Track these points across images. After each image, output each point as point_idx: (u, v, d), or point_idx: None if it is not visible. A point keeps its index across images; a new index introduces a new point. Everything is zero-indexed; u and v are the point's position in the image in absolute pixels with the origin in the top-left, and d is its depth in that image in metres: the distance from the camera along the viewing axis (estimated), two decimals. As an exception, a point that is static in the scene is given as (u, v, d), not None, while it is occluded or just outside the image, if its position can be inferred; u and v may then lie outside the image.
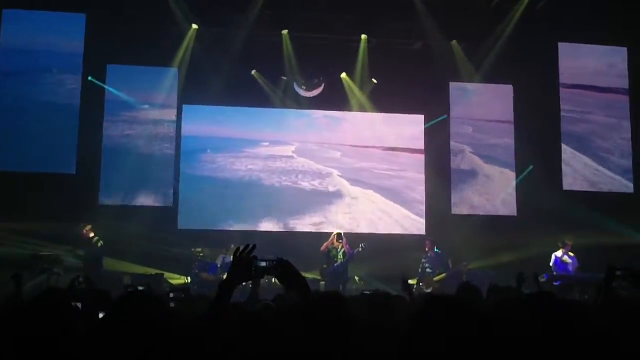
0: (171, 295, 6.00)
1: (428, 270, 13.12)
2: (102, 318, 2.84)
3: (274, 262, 2.93)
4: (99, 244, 12.29)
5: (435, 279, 12.95)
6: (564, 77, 15.80)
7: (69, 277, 6.55)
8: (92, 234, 12.37)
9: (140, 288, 6.46)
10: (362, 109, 15.67)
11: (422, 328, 2.16)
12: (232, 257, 3.04)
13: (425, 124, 15.74)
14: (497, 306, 3.46)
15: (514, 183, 15.63)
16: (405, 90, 15.01)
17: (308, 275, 13.34)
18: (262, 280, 12.95)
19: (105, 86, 14.40)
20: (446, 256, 13.47)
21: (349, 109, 15.70)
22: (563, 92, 15.76)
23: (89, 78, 14.20)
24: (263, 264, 2.99)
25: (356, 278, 13.90)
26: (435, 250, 13.29)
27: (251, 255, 3.01)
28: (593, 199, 15.03)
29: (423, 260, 13.25)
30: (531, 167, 15.35)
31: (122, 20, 13.85)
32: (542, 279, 11.81)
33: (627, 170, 15.71)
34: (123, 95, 14.55)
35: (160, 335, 2.51)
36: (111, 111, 14.53)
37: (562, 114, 15.67)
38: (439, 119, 15.63)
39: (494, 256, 13.88)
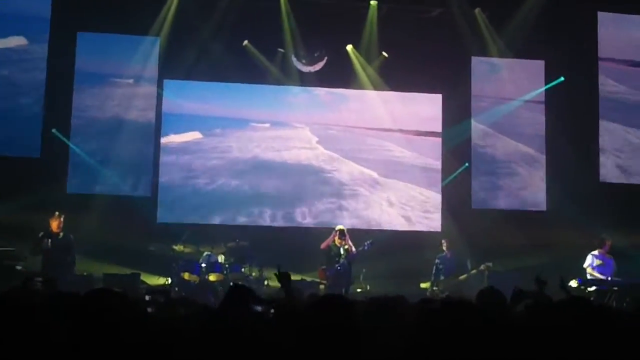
0: (147, 298, 5.99)
1: (442, 272, 13.21)
2: (62, 323, 2.80)
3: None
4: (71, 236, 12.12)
5: (457, 279, 13.04)
6: (604, 50, 15.74)
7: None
8: (60, 228, 12.08)
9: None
10: (370, 86, 15.62)
11: (434, 337, 2.16)
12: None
13: (443, 106, 15.67)
14: (522, 314, 3.47)
15: (544, 174, 15.60)
16: (421, 66, 14.96)
17: (306, 277, 13.37)
18: (250, 281, 13.01)
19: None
20: (464, 257, 13.50)
21: (355, 87, 15.65)
22: (602, 67, 15.71)
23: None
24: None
25: (361, 280, 13.91)
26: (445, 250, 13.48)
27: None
28: (636, 193, 15.03)
29: (437, 260, 13.30)
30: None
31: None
32: (575, 283, 11.87)
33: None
34: (95, 69, 14.50)
35: (133, 347, 2.49)
36: (81, 87, 14.48)
37: (600, 92, 15.63)
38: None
39: (520, 257, 13.87)
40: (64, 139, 14.20)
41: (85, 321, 2.50)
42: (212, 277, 12.91)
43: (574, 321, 2.37)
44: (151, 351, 2.59)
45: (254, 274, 13.39)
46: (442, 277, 13.19)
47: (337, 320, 2.58)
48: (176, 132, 15.00)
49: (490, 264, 13.44)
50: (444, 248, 13.53)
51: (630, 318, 3.16)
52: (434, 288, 13.02)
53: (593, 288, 11.89)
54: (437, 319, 2.32)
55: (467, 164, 15.50)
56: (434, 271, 13.25)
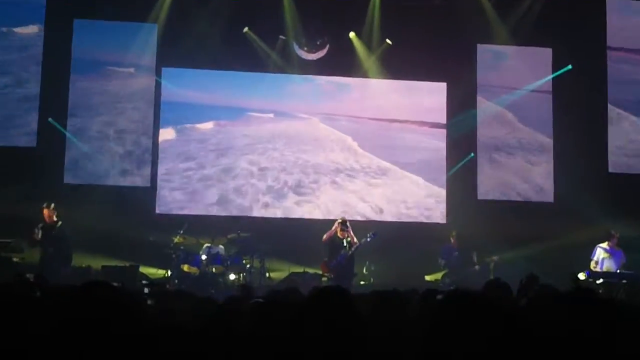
0: (146, 290, 6.01)
1: (441, 262, 13.52)
2: (55, 317, 2.80)
3: None
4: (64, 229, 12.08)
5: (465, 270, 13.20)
6: (613, 38, 15.71)
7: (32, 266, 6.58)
8: (55, 218, 12.06)
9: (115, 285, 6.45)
10: (373, 75, 15.60)
11: (441, 328, 2.17)
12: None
13: (447, 94, 15.66)
14: (529, 305, 3.48)
15: (551, 164, 15.58)
16: (425, 54, 14.93)
17: (309, 270, 13.40)
18: (251, 274, 13.06)
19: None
20: (470, 249, 13.55)
21: (358, 75, 15.63)
22: (611, 56, 15.68)
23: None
24: None
25: (364, 273, 13.93)
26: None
27: None
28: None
29: (441, 251, 13.51)
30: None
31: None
32: (582, 276, 11.90)
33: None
34: (92, 56, 14.49)
35: (130, 341, 2.49)
36: (78, 74, 14.48)
37: (609, 82, 15.60)
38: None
39: (526, 249, 13.89)
40: (61, 128, 14.20)
41: (78, 314, 2.50)
42: (212, 270, 12.94)
43: (578, 313, 2.38)
44: (149, 345, 2.59)
45: (255, 265, 13.42)
46: (446, 269, 13.36)
47: (337, 312, 2.58)
48: (175, 121, 15.00)
49: (496, 258, 13.49)
50: (452, 239, 13.66)
51: (638, 311, 3.16)
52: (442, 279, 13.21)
53: (601, 281, 11.91)
54: (444, 310, 2.33)
55: (472, 155, 15.49)
56: (442, 263, 13.38)
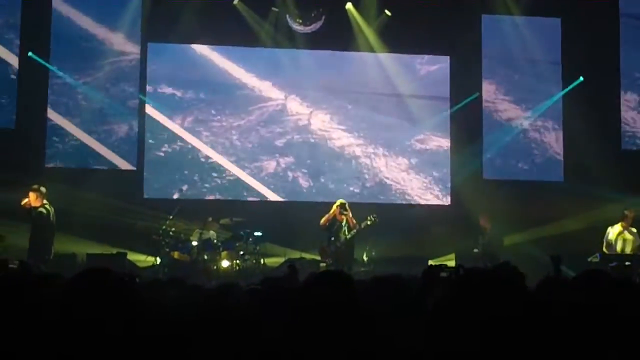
0: (137, 280, 6.00)
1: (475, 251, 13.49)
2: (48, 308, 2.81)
3: None
4: (48, 214, 11.92)
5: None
6: (627, 4, 15.65)
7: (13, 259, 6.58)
8: (39, 202, 11.89)
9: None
10: (371, 48, 15.53)
11: (452, 309, 2.17)
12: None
13: (451, 68, 15.61)
14: (540, 288, 3.49)
15: (561, 141, 15.58)
16: (426, 25, 14.86)
17: (306, 255, 13.42)
18: (245, 260, 13.05)
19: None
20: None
21: (356, 49, 15.53)
22: (625, 24, 15.61)
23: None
24: None
25: (364, 259, 13.95)
26: None
27: None
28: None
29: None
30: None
31: None
32: (594, 259, 11.93)
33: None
34: (73, 32, 14.41)
35: (133, 334, 2.49)
36: (58, 49, 14.38)
37: (622, 52, 15.56)
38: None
39: (535, 230, 13.93)
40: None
41: (75, 304, 2.51)
42: (204, 256, 12.95)
43: (592, 295, 2.39)
44: (142, 335, 2.59)
45: (249, 252, 13.42)
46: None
47: (337, 298, 2.57)
48: (162, 99, 14.89)
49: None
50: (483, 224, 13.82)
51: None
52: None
53: (614, 264, 11.93)
54: (456, 287, 2.33)
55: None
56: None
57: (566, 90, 15.38)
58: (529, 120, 15.69)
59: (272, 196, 15.01)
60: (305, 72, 15.44)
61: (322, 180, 15.20)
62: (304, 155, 15.26)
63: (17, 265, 6.60)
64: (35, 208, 11.48)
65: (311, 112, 15.41)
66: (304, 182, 15.17)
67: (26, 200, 11.47)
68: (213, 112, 15.15)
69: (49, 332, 2.51)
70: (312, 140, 15.32)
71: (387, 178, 15.41)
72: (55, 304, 2.61)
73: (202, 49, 15.08)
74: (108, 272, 2.70)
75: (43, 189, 11.58)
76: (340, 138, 15.41)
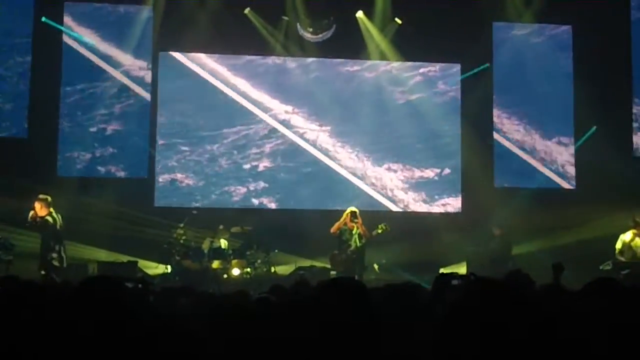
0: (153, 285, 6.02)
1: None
2: (53, 312, 2.81)
3: None
4: (55, 223, 11.90)
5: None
6: (637, 14, 15.61)
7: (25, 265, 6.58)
8: (45, 211, 11.89)
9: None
10: (382, 56, 15.56)
11: (464, 316, 2.17)
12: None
13: (461, 74, 15.63)
14: (548, 294, 3.47)
15: (572, 148, 15.55)
16: (437, 33, 14.85)
17: (316, 263, 13.41)
18: (255, 268, 13.05)
19: (63, 28, 14.33)
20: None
21: (367, 57, 15.57)
22: (636, 31, 15.56)
23: (43, 19, 14.13)
24: None
25: (375, 267, 13.93)
26: None
27: None
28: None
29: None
30: (594, 128, 15.26)
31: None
32: (606, 267, 11.89)
33: None
34: (85, 41, 14.48)
35: (132, 339, 2.49)
36: (70, 61, 14.46)
37: (634, 61, 15.51)
38: (480, 68, 15.50)
39: (547, 238, 13.88)
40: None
41: (80, 311, 2.51)
42: (214, 265, 12.96)
43: (603, 303, 2.38)
44: (152, 343, 2.60)
45: (259, 260, 13.43)
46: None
47: (349, 305, 2.57)
48: (174, 109, 14.94)
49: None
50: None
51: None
52: None
53: (626, 271, 11.88)
54: (466, 296, 2.33)
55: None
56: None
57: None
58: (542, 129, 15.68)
59: (283, 204, 14.99)
60: (315, 80, 15.46)
61: (332, 188, 15.18)
62: (313, 163, 15.24)
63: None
64: (42, 217, 11.49)
65: (321, 121, 15.40)
66: (314, 191, 15.12)
67: (32, 212, 11.47)
68: (222, 120, 15.14)
69: (55, 338, 2.51)
70: (323, 149, 15.30)
71: (398, 186, 15.39)
72: (61, 310, 2.61)
73: (213, 58, 15.09)
74: (111, 279, 2.70)
75: (48, 198, 11.56)
76: (351, 147, 15.39)
